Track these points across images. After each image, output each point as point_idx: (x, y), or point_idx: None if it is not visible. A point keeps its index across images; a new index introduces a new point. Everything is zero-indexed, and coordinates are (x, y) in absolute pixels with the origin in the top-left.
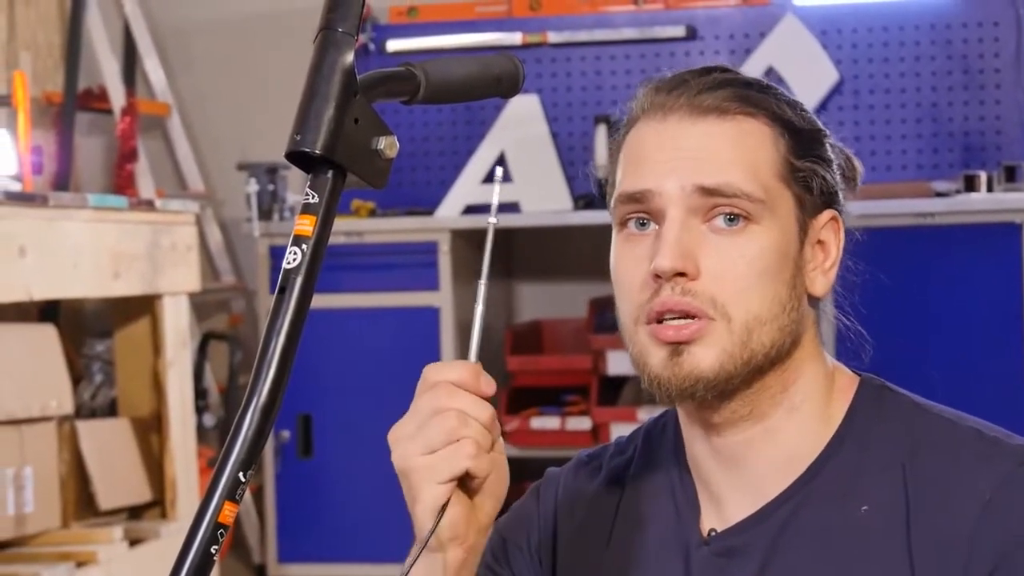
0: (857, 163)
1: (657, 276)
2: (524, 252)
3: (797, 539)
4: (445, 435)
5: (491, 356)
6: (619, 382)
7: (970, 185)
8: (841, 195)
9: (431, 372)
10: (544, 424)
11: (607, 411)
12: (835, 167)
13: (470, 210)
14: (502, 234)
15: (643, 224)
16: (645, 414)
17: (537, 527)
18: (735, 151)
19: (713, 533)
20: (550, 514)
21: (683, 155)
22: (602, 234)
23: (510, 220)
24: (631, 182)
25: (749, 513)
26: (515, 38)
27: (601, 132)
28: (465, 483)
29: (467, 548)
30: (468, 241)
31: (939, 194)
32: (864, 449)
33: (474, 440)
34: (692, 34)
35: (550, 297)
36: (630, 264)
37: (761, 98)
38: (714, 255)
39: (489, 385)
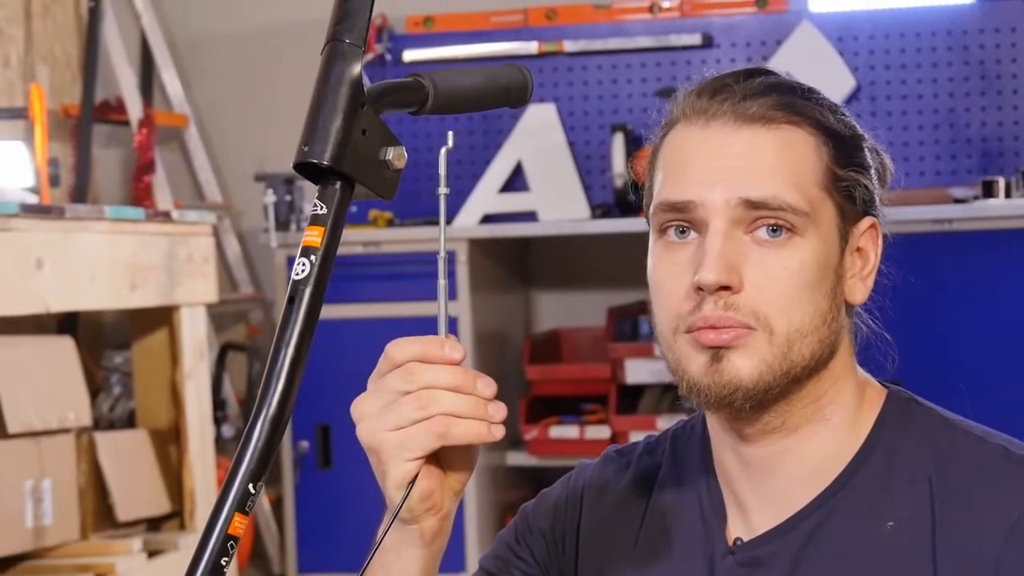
0: (888, 162)
1: (700, 288)
2: (542, 261)
3: (822, 552)
4: (414, 414)
5: (510, 365)
6: (638, 391)
7: (988, 191)
8: (878, 200)
9: (394, 350)
10: (563, 433)
11: (626, 420)
12: (873, 172)
13: (488, 219)
14: (520, 243)
15: (683, 232)
16: (664, 423)
17: (563, 515)
18: (780, 162)
19: (739, 542)
20: (576, 503)
21: (728, 165)
22: (620, 243)
23: (527, 229)
24: (673, 190)
25: (775, 523)
26: (531, 47)
27: (618, 140)
28: (436, 453)
29: (442, 516)
30: (485, 250)
31: (957, 200)
32: (891, 462)
33: (445, 415)
34: (708, 42)
35: (568, 306)
36: (670, 273)
37: (805, 105)
38: (757, 267)
39: (455, 350)
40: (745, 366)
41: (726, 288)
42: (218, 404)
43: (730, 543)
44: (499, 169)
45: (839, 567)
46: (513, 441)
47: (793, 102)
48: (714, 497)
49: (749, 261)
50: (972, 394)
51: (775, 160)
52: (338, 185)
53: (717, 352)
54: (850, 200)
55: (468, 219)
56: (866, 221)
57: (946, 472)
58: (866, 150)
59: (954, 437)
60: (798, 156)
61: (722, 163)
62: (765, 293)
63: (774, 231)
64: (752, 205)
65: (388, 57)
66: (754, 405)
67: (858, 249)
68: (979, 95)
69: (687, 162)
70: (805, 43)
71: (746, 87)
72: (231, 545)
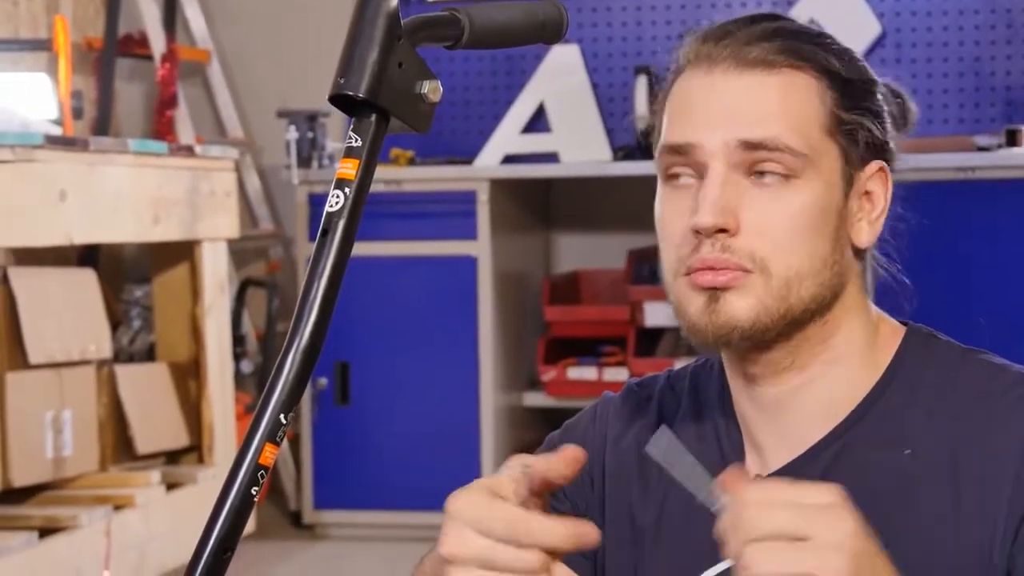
0: (912, 106)
1: (697, 232)
2: (563, 203)
3: (840, 482)
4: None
5: (529, 306)
6: (656, 333)
7: (1012, 140)
8: (892, 144)
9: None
10: (581, 374)
11: (644, 362)
12: (885, 116)
13: (509, 160)
14: (541, 184)
15: (686, 176)
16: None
17: (591, 445)
18: (780, 105)
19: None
20: (603, 435)
21: (727, 108)
22: (642, 185)
23: (549, 170)
24: (675, 134)
25: (790, 460)
26: None
27: (641, 82)
28: None
29: None
30: (506, 190)
31: (981, 148)
32: (909, 394)
33: None
34: None
35: (589, 248)
36: (672, 216)
37: (809, 49)
38: (755, 210)
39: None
40: (741, 306)
41: (723, 231)
42: (237, 340)
43: None
44: (521, 110)
45: (858, 495)
46: (531, 382)
47: (797, 47)
48: (732, 437)
49: (747, 204)
50: (994, 341)
51: (775, 103)
52: (373, 118)
53: (714, 293)
54: (855, 144)
55: (490, 159)
56: (874, 165)
57: (964, 402)
58: (878, 95)
59: (972, 368)
60: (799, 100)
61: (722, 106)
62: (763, 236)
63: (773, 173)
64: (751, 146)
65: None
66: (754, 346)
67: (866, 193)
68: (1005, 43)
69: (689, 106)
70: None
71: (749, 32)
72: (261, 475)
